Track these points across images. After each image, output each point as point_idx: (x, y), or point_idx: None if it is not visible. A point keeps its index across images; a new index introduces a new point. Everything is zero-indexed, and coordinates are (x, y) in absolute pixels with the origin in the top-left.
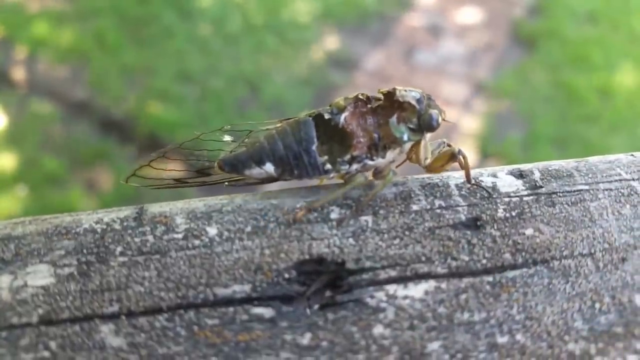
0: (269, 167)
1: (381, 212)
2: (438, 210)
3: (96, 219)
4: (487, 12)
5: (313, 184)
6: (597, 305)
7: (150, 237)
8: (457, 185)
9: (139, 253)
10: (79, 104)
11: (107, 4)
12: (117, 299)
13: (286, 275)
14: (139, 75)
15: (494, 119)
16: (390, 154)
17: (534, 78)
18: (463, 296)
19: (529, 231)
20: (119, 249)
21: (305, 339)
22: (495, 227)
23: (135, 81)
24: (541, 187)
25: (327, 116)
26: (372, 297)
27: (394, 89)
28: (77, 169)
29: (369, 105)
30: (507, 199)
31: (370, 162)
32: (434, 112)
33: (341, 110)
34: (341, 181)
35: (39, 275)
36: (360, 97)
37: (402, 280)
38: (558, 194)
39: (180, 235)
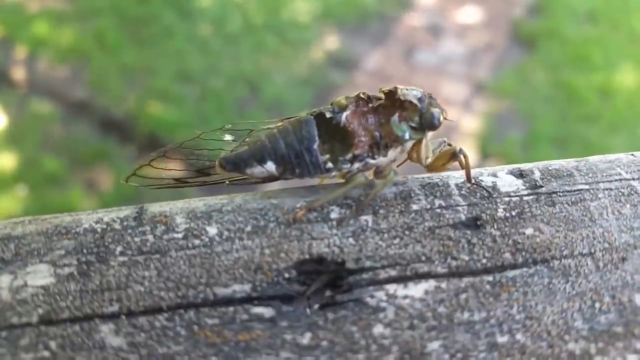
0: (271, 166)
1: (381, 211)
2: (438, 210)
3: (96, 219)
4: (487, 12)
5: (313, 183)
6: (597, 305)
7: (150, 237)
8: (457, 185)
9: (139, 253)
10: (79, 104)
11: (107, 4)
12: (117, 298)
13: (286, 275)
14: (139, 75)
15: (494, 119)
16: (392, 153)
17: (534, 78)
18: (463, 296)
19: (529, 231)
20: (119, 248)
21: (305, 339)
22: (496, 227)
23: (135, 81)
24: (541, 186)
25: (328, 115)
26: (372, 296)
27: (395, 88)
28: (77, 169)
29: (370, 105)
30: (507, 199)
31: (371, 161)
32: (435, 110)
33: (343, 109)
34: (341, 181)
35: (39, 275)
36: (362, 96)
37: (402, 279)
38: (558, 193)
39: (180, 235)
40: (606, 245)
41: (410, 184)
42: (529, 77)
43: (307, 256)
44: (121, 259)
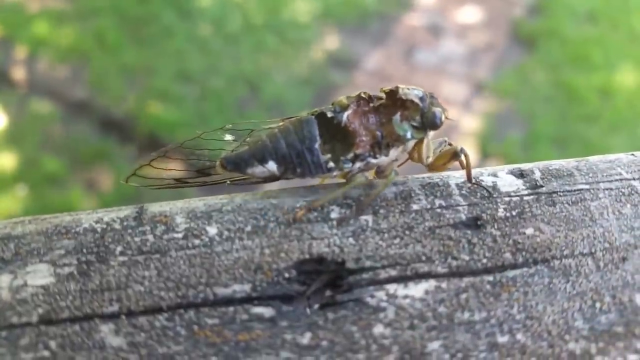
0: (272, 166)
1: (381, 211)
2: (438, 210)
3: (96, 219)
4: (487, 12)
5: (314, 183)
6: (598, 305)
7: (150, 237)
8: (457, 185)
9: (139, 252)
10: (79, 104)
11: (107, 4)
12: (117, 298)
13: (286, 275)
14: (139, 75)
15: (494, 118)
16: (393, 152)
17: (534, 78)
18: (463, 296)
19: (529, 230)
20: (119, 248)
21: (305, 339)
22: (496, 227)
23: (135, 81)
24: (542, 186)
25: (329, 114)
26: (372, 296)
27: (397, 88)
28: (77, 168)
29: (371, 104)
30: (507, 199)
31: (373, 161)
32: (437, 110)
33: (344, 108)
34: (341, 180)
35: (39, 275)
36: (363, 95)
37: (402, 279)
38: (558, 193)
39: (180, 235)
40: (607, 245)
41: (411, 183)
42: (529, 77)
43: (307, 256)
44: (121, 258)
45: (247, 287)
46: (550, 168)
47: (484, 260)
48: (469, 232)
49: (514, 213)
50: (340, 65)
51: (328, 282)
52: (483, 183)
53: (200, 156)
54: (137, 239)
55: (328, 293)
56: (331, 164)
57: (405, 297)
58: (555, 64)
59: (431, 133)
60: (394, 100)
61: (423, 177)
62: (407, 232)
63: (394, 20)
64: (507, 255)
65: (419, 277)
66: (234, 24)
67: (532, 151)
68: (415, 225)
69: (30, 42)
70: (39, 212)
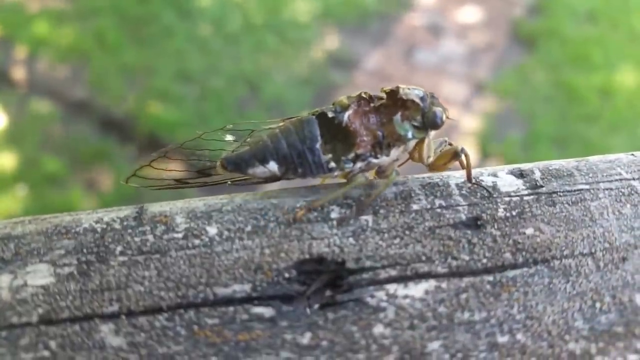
0: (273, 166)
1: (381, 211)
2: (438, 210)
3: (96, 219)
4: (487, 12)
5: (314, 183)
6: (598, 305)
7: (150, 237)
8: (457, 185)
9: (139, 252)
10: (79, 104)
11: (107, 4)
12: (117, 298)
13: (286, 275)
14: (139, 75)
15: (494, 118)
16: (394, 152)
17: (534, 78)
18: (463, 296)
19: (529, 231)
20: (119, 248)
21: (305, 339)
22: (496, 227)
23: (135, 81)
24: (542, 186)
25: (330, 115)
26: (372, 296)
27: (397, 88)
28: (77, 168)
29: (372, 104)
30: (507, 199)
31: (374, 161)
32: (438, 109)
33: (344, 108)
34: (342, 181)
35: (39, 275)
36: (363, 95)
37: (402, 279)
38: (558, 193)
39: (180, 235)
40: (607, 245)
41: (411, 183)
42: (529, 77)
43: (307, 256)
44: (121, 258)
45: (247, 287)
46: (550, 168)
47: (484, 260)
48: (469, 232)
49: (514, 213)
50: (340, 65)
51: (328, 282)
52: (483, 183)
53: (201, 157)
54: (137, 239)
55: (328, 293)
56: (332, 164)
57: (405, 297)
58: (555, 64)
59: (432, 133)
60: (395, 100)
61: (423, 177)
62: (407, 232)
63: (394, 20)
64: (507, 255)
65: (419, 277)
66: (234, 24)
67: (532, 151)
68: (415, 225)
69: (30, 42)
70: (39, 212)
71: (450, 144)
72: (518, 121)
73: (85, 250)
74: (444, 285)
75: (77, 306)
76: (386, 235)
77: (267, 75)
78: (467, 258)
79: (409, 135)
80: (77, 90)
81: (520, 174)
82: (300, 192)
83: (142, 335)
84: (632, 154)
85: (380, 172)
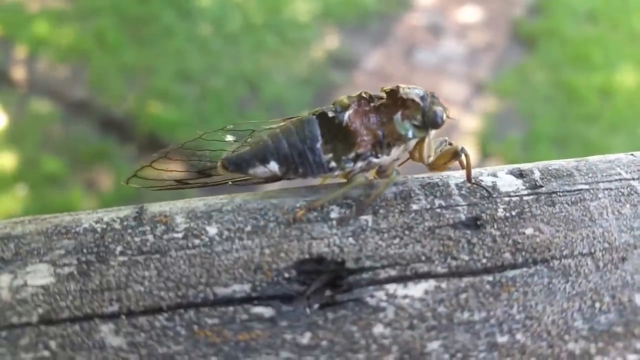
0: (274, 166)
1: (381, 211)
2: (438, 210)
3: (96, 219)
4: (487, 12)
5: (314, 183)
6: (597, 305)
7: (150, 237)
8: (457, 185)
9: (139, 252)
10: (79, 104)
11: (107, 4)
12: (117, 298)
13: (286, 275)
14: (139, 75)
15: (494, 118)
16: (395, 151)
17: (534, 78)
18: (463, 296)
19: (529, 231)
20: (119, 248)
21: (305, 339)
22: (495, 227)
23: (135, 81)
24: (541, 186)
25: (330, 114)
26: (372, 296)
27: (397, 87)
28: (77, 168)
29: (372, 104)
30: (507, 199)
31: (375, 160)
32: (438, 109)
33: (345, 108)
34: (342, 181)
35: (39, 275)
36: (364, 95)
37: (402, 279)
38: (558, 193)
39: (180, 235)
40: (606, 245)
41: (410, 183)
42: (529, 77)
43: (307, 256)
44: (121, 258)
45: (247, 287)
46: (550, 168)
47: (484, 260)
48: (468, 232)
49: (513, 213)
50: (340, 65)
51: (328, 282)
52: (483, 183)
53: (202, 157)
54: (137, 239)
55: (328, 293)
56: (333, 164)
57: (405, 297)
58: (555, 64)
59: (432, 132)
60: (395, 100)
61: (423, 177)
62: (406, 232)
63: (394, 20)
64: (507, 255)
65: (419, 277)
66: (234, 23)
67: (532, 151)
68: (415, 225)
69: (30, 42)
70: (39, 212)
71: (450, 144)
72: (518, 121)
73: (85, 250)
74: (443, 285)
75: (77, 306)
76: (386, 235)
77: (267, 75)
78: (466, 258)
79: (410, 134)
80: (77, 90)
81: (520, 174)
82: (300, 192)
83: (142, 335)
84: (632, 154)
85: (381, 171)
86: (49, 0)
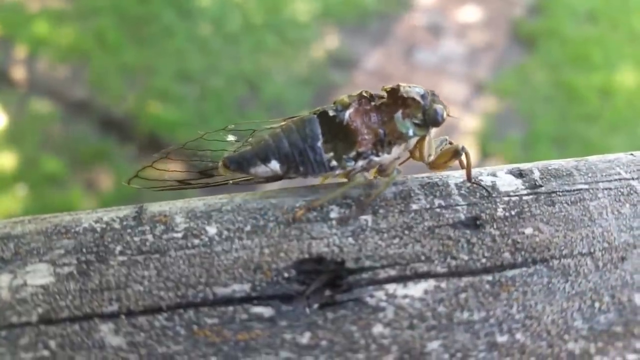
0: (275, 165)
1: (381, 211)
2: (438, 210)
3: (96, 218)
4: (487, 12)
5: (315, 182)
6: (597, 305)
7: (149, 237)
8: (456, 185)
9: (139, 252)
10: (79, 104)
11: (107, 3)
12: (117, 298)
13: (285, 275)
14: (139, 75)
15: (494, 118)
16: (395, 150)
17: (534, 78)
18: (462, 295)
19: (528, 230)
20: (119, 248)
21: (305, 338)
22: (495, 226)
23: (135, 81)
24: (541, 186)
25: (331, 113)
26: (371, 296)
27: (398, 86)
28: (77, 168)
29: (372, 103)
30: (506, 198)
31: (375, 159)
32: (438, 107)
33: (345, 107)
34: (342, 180)
35: (39, 275)
36: (364, 94)
37: (401, 279)
38: (558, 193)
39: (179, 235)
40: (605, 244)
41: (410, 183)
42: (529, 77)
43: (306, 256)
44: (121, 258)
45: (246, 287)
46: (550, 168)
47: (483, 260)
48: (468, 231)
49: (513, 213)
50: (340, 65)
51: (327, 281)
52: (482, 183)
53: (203, 157)
54: (136, 239)
55: (327, 293)
56: (334, 163)
57: (405, 296)
58: (555, 64)
59: (433, 130)
60: (396, 99)
61: (422, 177)
62: (406, 232)
63: (394, 20)
64: (506, 255)
65: (419, 276)
66: (234, 23)
67: (532, 151)
68: (414, 225)
69: (30, 42)
70: (38, 211)
71: (450, 143)
72: (518, 121)
73: (85, 250)
74: (443, 285)
75: (77, 306)
76: (385, 235)
77: (267, 75)
78: (466, 258)
79: (410, 132)
80: (77, 90)
81: (520, 174)
82: (299, 191)
83: (141, 335)
84: (632, 154)
85: (382, 170)
86: (49, 0)
